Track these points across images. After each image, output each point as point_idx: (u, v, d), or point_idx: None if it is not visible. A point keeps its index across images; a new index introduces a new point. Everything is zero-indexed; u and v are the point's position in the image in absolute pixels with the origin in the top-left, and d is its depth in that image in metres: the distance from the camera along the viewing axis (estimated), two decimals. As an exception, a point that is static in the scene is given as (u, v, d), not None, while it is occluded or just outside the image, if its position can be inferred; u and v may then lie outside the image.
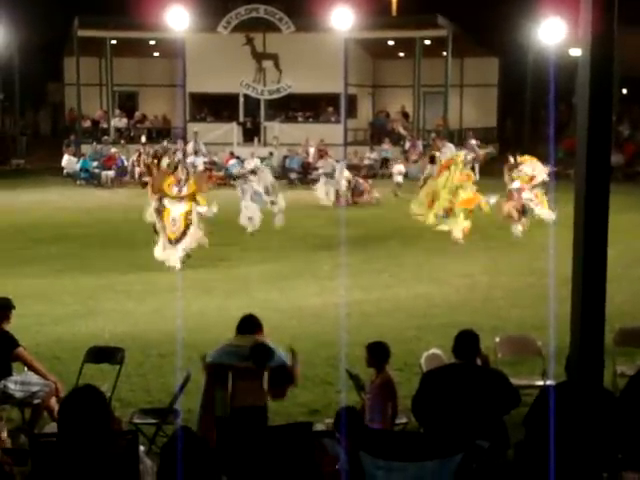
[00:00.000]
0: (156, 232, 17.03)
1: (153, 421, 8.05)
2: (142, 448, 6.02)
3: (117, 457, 5.27)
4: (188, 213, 17.11)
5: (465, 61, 39.46)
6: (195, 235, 17.13)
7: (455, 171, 20.17)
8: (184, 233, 17.01)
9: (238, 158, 34.16)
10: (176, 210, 17.05)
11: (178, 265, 16.85)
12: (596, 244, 5.58)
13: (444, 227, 19.77)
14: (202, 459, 4.80)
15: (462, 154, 22.06)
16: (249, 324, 7.68)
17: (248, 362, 7.28)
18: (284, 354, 7.49)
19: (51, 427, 7.50)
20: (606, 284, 5.61)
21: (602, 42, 5.54)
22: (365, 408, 7.70)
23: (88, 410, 5.02)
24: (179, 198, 17.10)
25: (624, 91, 39.59)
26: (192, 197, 17.24)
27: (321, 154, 33.09)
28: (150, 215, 17.14)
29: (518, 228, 20.02)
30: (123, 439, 5.60)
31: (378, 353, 7.72)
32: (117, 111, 39.45)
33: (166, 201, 17.06)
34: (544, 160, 21.58)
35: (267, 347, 7.34)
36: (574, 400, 5.78)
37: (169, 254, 16.91)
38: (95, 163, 33.85)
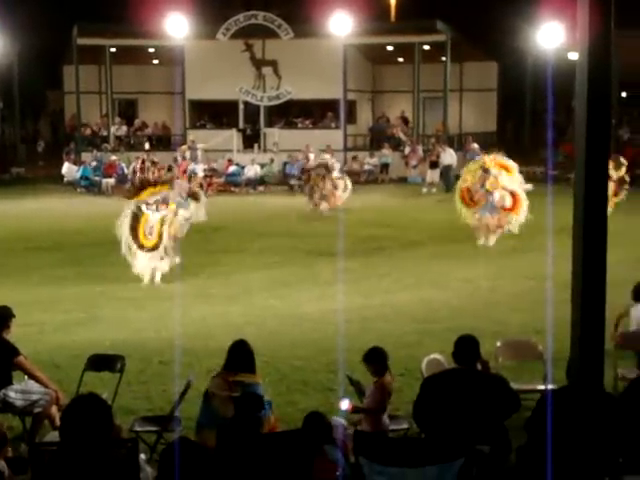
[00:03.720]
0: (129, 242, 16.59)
1: (154, 429, 8.03)
2: (143, 456, 6.02)
3: (117, 465, 5.25)
4: (163, 220, 16.72)
5: (464, 66, 39.45)
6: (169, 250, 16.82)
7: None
8: (159, 241, 16.68)
9: (238, 165, 34.24)
10: (154, 217, 16.64)
11: (146, 277, 16.42)
12: (595, 248, 5.57)
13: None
14: (200, 468, 4.79)
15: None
16: (240, 356, 7.56)
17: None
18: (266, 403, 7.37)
19: (52, 436, 7.49)
20: (606, 288, 5.60)
21: (599, 45, 5.54)
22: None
23: (91, 418, 5.01)
24: (157, 204, 16.81)
25: (623, 94, 39.61)
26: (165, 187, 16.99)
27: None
28: (123, 223, 16.57)
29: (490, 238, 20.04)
30: (123, 447, 5.59)
31: (374, 358, 7.71)
32: (117, 119, 39.51)
33: (144, 207, 16.76)
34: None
35: (253, 419, 7.13)
36: (575, 404, 5.77)
37: (140, 260, 16.51)
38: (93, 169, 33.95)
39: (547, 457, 5.51)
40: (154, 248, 16.60)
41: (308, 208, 25.73)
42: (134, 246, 16.51)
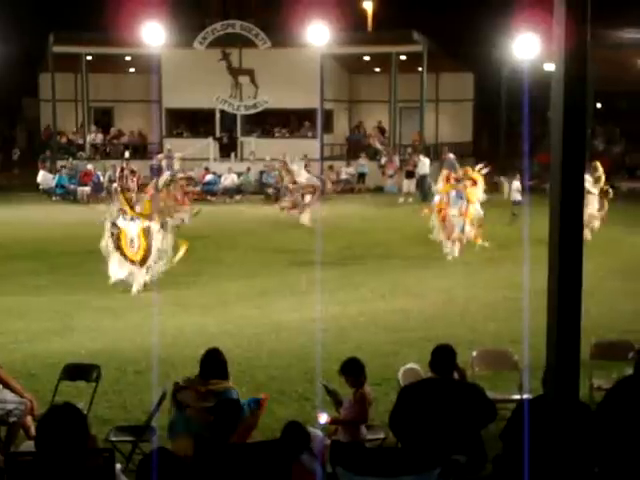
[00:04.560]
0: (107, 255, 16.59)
1: (130, 439, 7.98)
2: (119, 466, 5.98)
3: (93, 475, 5.22)
4: (145, 230, 16.66)
5: (440, 76, 39.65)
6: (157, 256, 16.70)
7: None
8: (147, 252, 16.69)
9: (214, 173, 34.20)
10: (132, 230, 16.59)
11: (135, 289, 16.40)
12: (571, 257, 5.59)
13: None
14: (177, 478, 4.77)
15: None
16: (212, 365, 7.50)
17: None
18: (246, 402, 7.33)
19: (27, 445, 7.41)
20: (582, 297, 5.63)
21: (575, 56, 5.57)
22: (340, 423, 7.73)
23: (67, 428, 4.98)
24: (133, 216, 16.78)
25: (598, 105, 39.93)
26: (147, 216, 16.86)
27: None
28: (105, 241, 16.64)
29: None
30: (99, 457, 5.56)
31: (351, 370, 7.72)
32: (93, 127, 39.36)
33: (120, 221, 16.68)
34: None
35: (229, 418, 7.02)
36: (550, 414, 5.80)
37: (130, 274, 16.53)
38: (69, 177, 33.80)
39: (523, 466, 5.53)
40: (145, 257, 16.57)
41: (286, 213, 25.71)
42: (125, 261, 16.49)
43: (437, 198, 20.48)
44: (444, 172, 21.12)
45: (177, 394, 7.40)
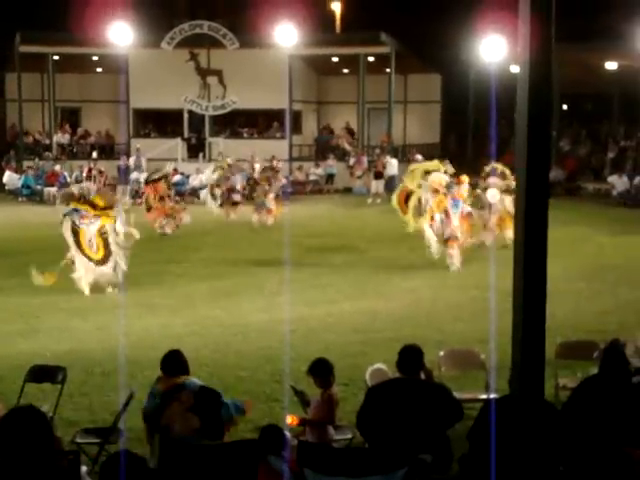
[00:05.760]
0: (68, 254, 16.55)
1: (96, 441, 7.94)
2: (84, 468, 5.94)
3: (59, 477, 5.18)
4: (101, 229, 16.66)
5: (408, 78, 39.78)
6: (117, 256, 16.66)
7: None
8: (107, 253, 16.62)
9: (182, 174, 34.07)
10: (90, 230, 16.60)
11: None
12: (536, 258, 5.64)
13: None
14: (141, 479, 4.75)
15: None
16: (174, 363, 7.47)
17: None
18: (230, 402, 7.33)
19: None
20: (546, 298, 5.67)
21: (540, 58, 5.61)
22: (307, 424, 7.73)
23: (28, 431, 4.93)
24: (92, 216, 16.73)
25: (564, 107, 40.19)
26: (105, 214, 16.83)
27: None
28: (65, 231, 16.62)
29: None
30: (65, 459, 5.51)
31: (319, 370, 7.72)
32: (67, 127, 39.10)
33: (78, 221, 16.63)
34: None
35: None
36: (516, 413, 5.83)
37: (94, 274, 16.52)
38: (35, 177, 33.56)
39: (490, 466, 5.55)
40: (106, 258, 16.54)
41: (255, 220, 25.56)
42: (87, 262, 16.43)
43: (438, 218, 18.84)
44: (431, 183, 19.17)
45: (161, 419, 7.23)
